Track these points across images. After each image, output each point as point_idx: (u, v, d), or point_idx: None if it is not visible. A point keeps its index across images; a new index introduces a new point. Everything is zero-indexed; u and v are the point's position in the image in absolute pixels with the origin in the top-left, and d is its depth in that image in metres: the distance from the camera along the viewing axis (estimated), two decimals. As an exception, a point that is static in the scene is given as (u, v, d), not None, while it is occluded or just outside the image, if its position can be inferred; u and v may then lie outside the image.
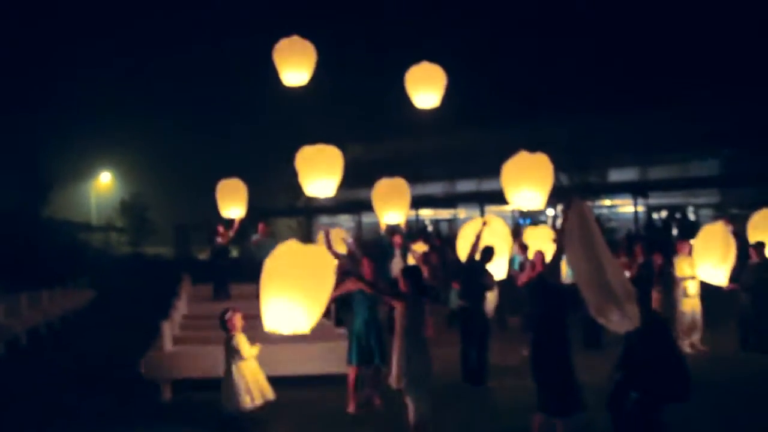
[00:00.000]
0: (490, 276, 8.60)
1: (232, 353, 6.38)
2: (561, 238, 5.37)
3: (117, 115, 36.01)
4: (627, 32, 32.47)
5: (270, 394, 6.50)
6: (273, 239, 13.82)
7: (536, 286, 5.63)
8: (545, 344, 5.30)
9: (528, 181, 8.06)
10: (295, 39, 9.76)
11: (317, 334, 7.79)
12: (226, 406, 6.36)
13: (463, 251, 8.97)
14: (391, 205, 10.29)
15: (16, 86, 32.20)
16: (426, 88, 10.11)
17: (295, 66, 9.83)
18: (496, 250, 8.59)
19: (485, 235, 8.45)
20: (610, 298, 5.05)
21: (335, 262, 6.05)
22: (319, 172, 9.65)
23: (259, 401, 6.39)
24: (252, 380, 6.38)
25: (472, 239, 8.46)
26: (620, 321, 5.12)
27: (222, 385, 6.40)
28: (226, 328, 6.49)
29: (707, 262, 9.30)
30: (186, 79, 37.05)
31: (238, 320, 6.51)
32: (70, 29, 39.57)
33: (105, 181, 38.92)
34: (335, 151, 9.66)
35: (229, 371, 6.36)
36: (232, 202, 11.83)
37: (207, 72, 37.17)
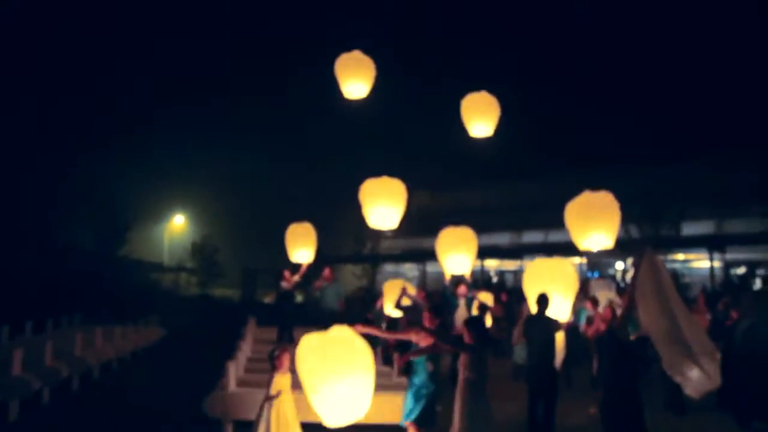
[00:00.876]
0: (554, 322, 8.24)
1: (269, 389, 6.58)
2: (633, 291, 5.20)
3: (192, 160, 37.71)
4: (701, 75, 31.78)
5: None
6: (337, 285, 13.97)
7: (606, 341, 5.44)
8: (616, 402, 5.09)
9: (594, 222, 7.82)
10: (356, 53, 10.01)
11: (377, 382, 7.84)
12: None
13: (530, 293, 8.60)
14: (456, 254, 10.17)
15: (98, 133, 34.30)
16: (481, 117, 10.16)
17: (355, 78, 10.00)
18: (557, 293, 8.15)
19: (549, 279, 8.14)
20: (686, 354, 4.84)
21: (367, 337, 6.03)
22: (382, 203, 9.73)
23: None
24: (282, 421, 6.48)
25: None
26: (698, 379, 4.88)
27: (255, 417, 6.60)
28: (272, 365, 6.69)
29: None
30: (257, 126, 38.60)
31: (285, 359, 6.68)
32: (147, 76, 42.07)
33: (178, 224, 40.49)
34: (398, 184, 9.73)
35: (262, 406, 6.54)
36: (301, 246, 12.03)
37: (277, 119, 38.60)
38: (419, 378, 6.65)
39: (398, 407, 7.22)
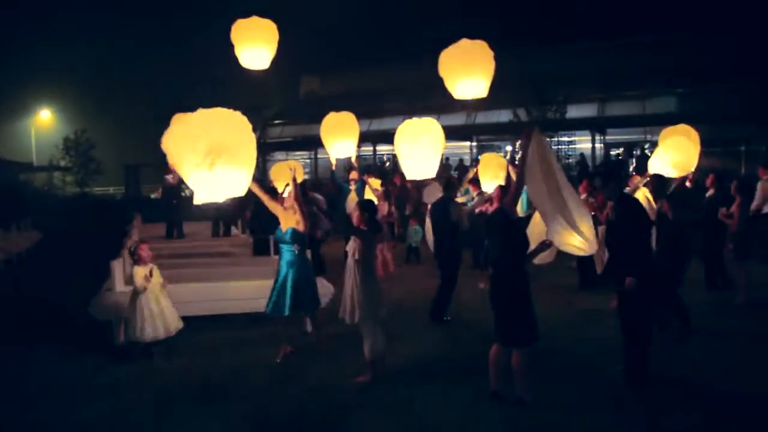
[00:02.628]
0: (456, 205, 8.40)
1: (134, 284, 6.72)
2: (522, 169, 5.20)
3: (57, 45, 33.90)
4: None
5: (173, 327, 6.76)
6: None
7: (496, 218, 5.49)
8: (504, 277, 5.23)
9: (469, 69, 7.84)
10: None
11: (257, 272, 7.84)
12: (128, 335, 6.72)
13: (400, 150, 8.56)
14: (340, 139, 10.11)
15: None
16: None
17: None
18: (425, 150, 8.16)
19: (418, 137, 8.15)
20: (573, 225, 5.02)
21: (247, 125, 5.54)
22: (255, 43, 9.37)
23: (160, 334, 6.66)
24: (156, 312, 6.65)
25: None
26: (581, 245, 5.12)
27: (126, 315, 6.75)
28: (134, 260, 6.83)
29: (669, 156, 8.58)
30: (131, 4, 35.06)
31: (143, 252, 6.83)
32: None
33: (45, 118, 37.05)
34: (269, 23, 9.40)
35: (131, 301, 6.67)
36: None
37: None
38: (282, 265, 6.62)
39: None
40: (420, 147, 7.93)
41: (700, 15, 27.03)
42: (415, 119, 8.17)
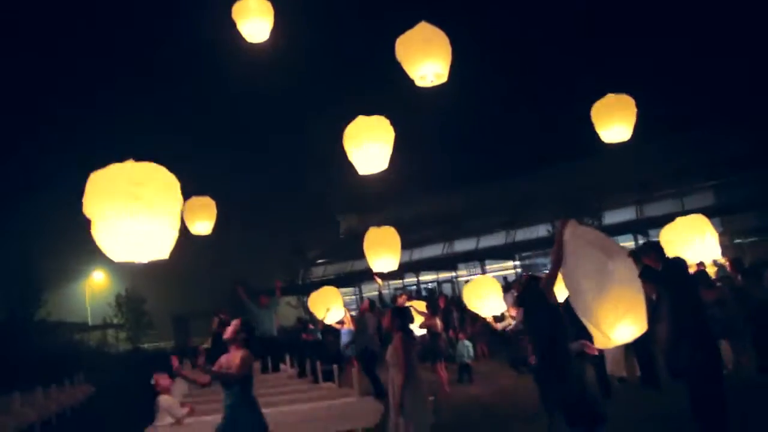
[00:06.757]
0: None
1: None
2: (558, 252, 5.04)
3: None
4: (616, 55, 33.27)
5: None
6: (271, 309, 13.46)
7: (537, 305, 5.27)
8: (550, 361, 4.93)
9: (427, 54, 7.84)
10: None
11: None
12: None
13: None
14: (382, 252, 10.12)
15: (3, 188, 32.35)
16: None
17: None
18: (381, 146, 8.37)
19: None
20: (611, 311, 4.71)
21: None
22: (254, 17, 9.47)
23: None
24: None
25: None
26: (627, 331, 4.81)
27: None
28: (155, 391, 7.02)
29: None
30: (171, 165, 37.39)
31: (161, 381, 7.09)
32: (53, 119, 39.86)
33: (98, 279, 38.50)
34: (267, 3, 9.51)
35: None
36: None
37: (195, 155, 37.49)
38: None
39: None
40: (370, 142, 8.14)
41: (717, 107, 27.21)
42: (363, 117, 8.29)
